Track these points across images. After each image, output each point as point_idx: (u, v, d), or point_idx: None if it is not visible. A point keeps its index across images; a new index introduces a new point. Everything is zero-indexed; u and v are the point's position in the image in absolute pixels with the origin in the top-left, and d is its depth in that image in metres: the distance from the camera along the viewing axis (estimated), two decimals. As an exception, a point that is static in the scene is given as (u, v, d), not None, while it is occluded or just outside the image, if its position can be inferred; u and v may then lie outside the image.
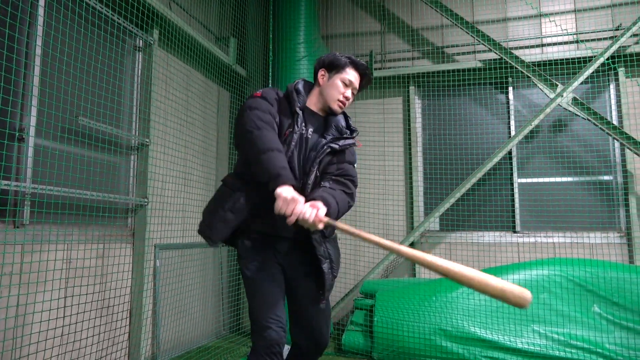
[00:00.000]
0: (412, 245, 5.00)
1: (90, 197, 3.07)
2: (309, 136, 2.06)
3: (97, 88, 3.18)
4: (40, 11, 2.81)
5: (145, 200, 3.62)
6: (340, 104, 2.11)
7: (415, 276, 4.99)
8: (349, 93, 2.10)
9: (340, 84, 2.08)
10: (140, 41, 3.78)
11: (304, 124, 2.05)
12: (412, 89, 5.32)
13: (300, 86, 2.13)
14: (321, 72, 2.14)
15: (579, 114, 4.47)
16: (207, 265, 4.50)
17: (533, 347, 3.60)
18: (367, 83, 2.18)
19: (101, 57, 3.25)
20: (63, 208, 2.85)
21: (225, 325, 4.76)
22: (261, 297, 1.94)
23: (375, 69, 5.40)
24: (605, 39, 4.84)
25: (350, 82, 2.09)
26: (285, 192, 1.71)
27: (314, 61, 4.84)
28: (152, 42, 3.77)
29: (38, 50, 2.74)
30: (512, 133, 4.99)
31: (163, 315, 3.77)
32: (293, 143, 1.98)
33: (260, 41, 5.13)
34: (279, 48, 4.79)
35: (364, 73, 2.14)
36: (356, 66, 2.11)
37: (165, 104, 3.93)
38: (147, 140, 3.68)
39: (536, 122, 4.58)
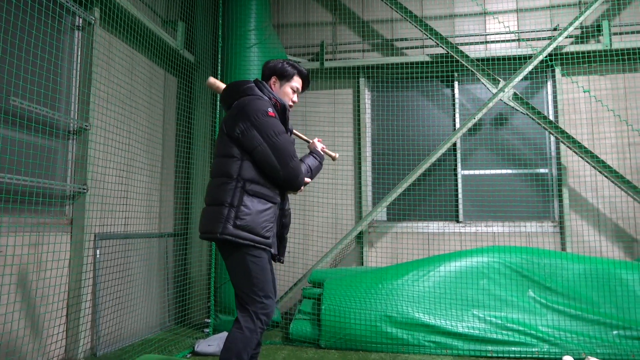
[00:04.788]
0: (360, 234, 5.08)
1: (23, 183, 2.89)
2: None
3: (30, 65, 2.99)
4: (-34, -20, 2.60)
5: (85, 187, 3.46)
6: (289, 106, 2.57)
7: (363, 265, 5.07)
8: (296, 97, 2.59)
9: (289, 91, 2.54)
10: (80, 20, 3.59)
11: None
12: (362, 80, 5.38)
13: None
14: (273, 79, 2.54)
15: (518, 109, 4.69)
16: (152, 256, 4.37)
17: (473, 331, 3.76)
18: (308, 85, 2.66)
19: (35, 32, 3.05)
20: (-8, 192, 2.67)
21: (170, 317, 4.64)
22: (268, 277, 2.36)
23: (326, 59, 5.41)
24: (544, 38, 5.09)
25: (298, 88, 2.57)
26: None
27: (264, 49, 4.75)
28: (92, 22, 3.59)
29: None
30: (457, 126, 5.16)
31: (103, 307, 3.62)
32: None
33: (210, 26, 5.00)
34: (229, 34, 4.70)
35: (307, 80, 2.62)
36: (302, 75, 2.58)
37: (107, 87, 3.76)
38: (87, 124, 3.51)
39: (479, 115, 4.75)
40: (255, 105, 2.27)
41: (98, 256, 3.61)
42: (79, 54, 3.58)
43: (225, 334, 4.05)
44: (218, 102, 4.65)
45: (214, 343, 3.82)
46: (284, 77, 2.53)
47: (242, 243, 2.19)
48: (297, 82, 2.55)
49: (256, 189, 2.24)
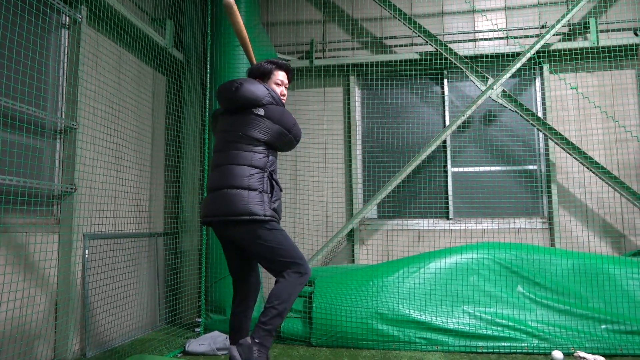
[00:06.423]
0: (351, 232, 5.09)
1: (9, 182, 2.86)
2: None
3: (14, 64, 2.95)
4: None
5: (73, 186, 3.43)
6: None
7: (354, 263, 5.08)
8: (284, 90, 2.66)
9: (275, 87, 2.61)
10: (67, 18, 3.56)
11: None
12: (352, 78, 5.38)
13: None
14: (258, 81, 2.58)
15: (507, 106, 4.72)
16: (142, 255, 4.34)
17: (463, 327, 3.77)
18: (292, 75, 2.74)
19: (19, 30, 3.02)
20: (-23, 192, 2.64)
21: (161, 317, 4.62)
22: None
23: (316, 57, 5.41)
24: (532, 36, 5.13)
25: (282, 81, 2.65)
26: None
27: (254, 47, 4.75)
28: (79, 20, 3.56)
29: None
30: (447, 123, 5.19)
31: (92, 307, 3.59)
32: None
33: (199, 25, 4.98)
34: (218, 32, 4.67)
35: (288, 69, 2.68)
36: (280, 67, 2.65)
37: (95, 86, 3.73)
38: (75, 124, 3.48)
39: (469, 113, 4.78)
40: (289, 119, 2.55)
41: (87, 256, 3.58)
42: (66, 52, 3.55)
43: (216, 333, 4.04)
44: (207, 101, 4.62)
45: (204, 342, 3.80)
46: (265, 76, 2.63)
47: (274, 221, 2.53)
48: (278, 75, 2.64)
49: (277, 180, 2.56)
